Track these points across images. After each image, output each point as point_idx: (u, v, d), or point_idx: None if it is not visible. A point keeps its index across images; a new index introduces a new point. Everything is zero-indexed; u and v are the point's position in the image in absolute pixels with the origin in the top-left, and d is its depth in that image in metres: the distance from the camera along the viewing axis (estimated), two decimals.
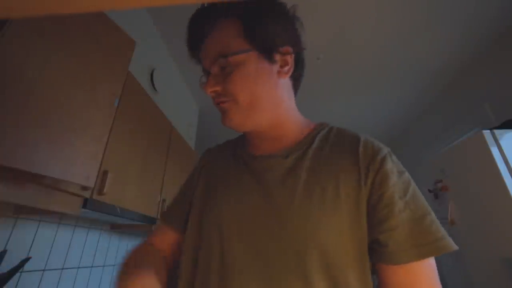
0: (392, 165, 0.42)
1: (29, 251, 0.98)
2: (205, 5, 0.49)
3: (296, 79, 0.51)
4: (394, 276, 0.37)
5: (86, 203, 0.90)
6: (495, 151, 1.29)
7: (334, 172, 0.42)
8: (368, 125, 3.21)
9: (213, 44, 0.45)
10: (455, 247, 0.37)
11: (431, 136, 2.69)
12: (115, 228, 1.47)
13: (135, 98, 1.22)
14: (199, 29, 0.48)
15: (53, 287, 1.09)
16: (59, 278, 1.12)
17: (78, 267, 1.23)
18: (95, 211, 0.96)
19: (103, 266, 1.42)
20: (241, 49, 0.43)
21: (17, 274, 0.93)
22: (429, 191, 1.75)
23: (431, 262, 0.37)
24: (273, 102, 0.46)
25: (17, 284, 0.93)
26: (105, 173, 0.95)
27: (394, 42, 1.90)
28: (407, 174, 0.43)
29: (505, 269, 1.19)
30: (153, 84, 1.71)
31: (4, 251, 0.81)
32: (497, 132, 1.33)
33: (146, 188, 1.29)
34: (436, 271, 0.38)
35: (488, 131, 1.35)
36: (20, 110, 0.63)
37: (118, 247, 1.56)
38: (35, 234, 1.01)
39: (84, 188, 0.85)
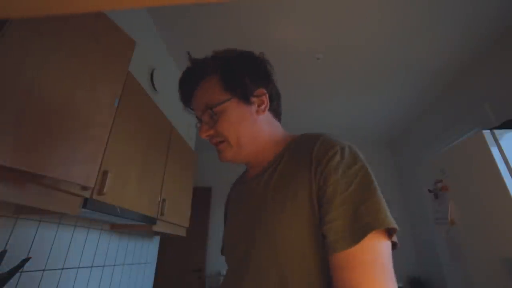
0: (339, 162, 0.45)
1: (29, 251, 0.98)
2: (188, 69, 0.59)
3: (275, 110, 0.61)
4: (336, 262, 0.40)
5: (86, 203, 0.90)
6: (495, 151, 1.29)
7: (294, 177, 0.48)
8: (368, 125, 3.21)
9: (200, 99, 0.57)
10: (383, 226, 0.39)
11: (431, 136, 2.69)
12: (115, 228, 1.47)
13: (135, 98, 1.22)
14: (187, 89, 0.59)
15: (53, 287, 1.09)
16: (59, 278, 1.12)
17: (78, 267, 1.23)
18: (95, 211, 0.96)
19: (103, 266, 1.42)
20: (222, 100, 0.54)
21: (17, 274, 0.93)
22: (429, 191, 1.75)
23: (372, 244, 0.39)
24: (254, 137, 0.56)
25: (17, 284, 0.93)
26: (105, 173, 0.95)
27: (394, 42, 1.90)
28: (356, 167, 0.45)
29: (505, 269, 1.19)
30: (153, 84, 1.71)
31: (4, 251, 0.81)
32: (497, 132, 1.33)
33: (146, 188, 1.29)
34: (382, 253, 0.39)
35: (488, 131, 1.35)
36: (20, 110, 0.63)
37: (118, 247, 1.56)
38: (35, 234, 1.01)
39: (84, 188, 0.85)
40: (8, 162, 0.59)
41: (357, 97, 2.62)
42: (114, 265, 1.51)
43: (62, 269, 1.14)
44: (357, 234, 0.39)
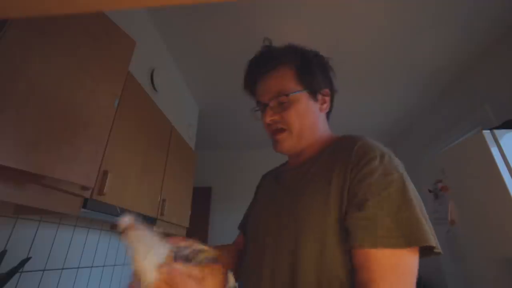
0: (378, 166, 0.45)
1: (29, 251, 0.98)
2: (264, 53, 0.62)
3: (329, 112, 0.66)
4: (355, 257, 0.42)
5: (86, 203, 0.90)
6: (495, 151, 1.29)
7: (329, 173, 0.49)
8: (368, 125, 3.21)
9: (273, 83, 0.58)
10: (428, 243, 0.38)
11: (431, 136, 2.69)
12: (115, 228, 1.47)
13: (135, 98, 1.22)
14: (257, 72, 0.62)
15: (53, 287, 1.09)
16: (59, 278, 1.12)
17: (78, 267, 1.23)
18: (95, 211, 0.96)
19: (103, 266, 1.42)
20: (297, 89, 0.57)
21: (17, 274, 0.93)
22: (429, 191, 1.75)
23: (393, 254, 0.39)
24: (313, 131, 0.59)
25: (17, 284, 0.93)
26: (105, 173, 0.95)
27: (395, 42, 1.90)
28: (395, 176, 0.44)
29: (505, 269, 1.19)
30: (153, 84, 1.71)
31: (4, 251, 0.81)
32: (497, 132, 1.33)
33: (146, 188, 1.29)
34: (401, 266, 0.39)
35: (488, 131, 1.35)
36: (20, 110, 0.63)
37: (118, 247, 1.56)
38: (35, 234, 1.01)
39: (84, 188, 0.85)
40: (8, 162, 0.59)
41: (357, 97, 2.62)
42: (114, 265, 1.51)
43: (62, 269, 1.14)
44: (376, 241, 0.40)
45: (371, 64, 2.14)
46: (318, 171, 0.52)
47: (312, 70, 0.59)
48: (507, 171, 1.24)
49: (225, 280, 0.42)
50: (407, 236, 0.39)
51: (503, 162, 1.26)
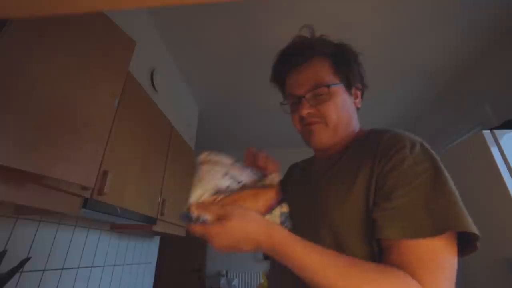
0: (407, 155, 0.44)
1: (29, 251, 0.98)
2: (299, 43, 0.59)
3: (358, 108, 0.65)
4: (383, 246, 0.41)
5: (86, 203, 0.90)
6: (495, 151, 1.28)
7: (356, 165, 0.49)
8: (368, 126, 3.21)
9: (310, 75, 0.56)
10: (463, 228, 0.37)
11: (431, 136, 2.69)
12: (115, 228, 1.47)
13: (135, 98, 1.22)
14: (294, 60, 0.59)
15: (53, 287, 1.09)
16: (59, 278, 1.12)
17: (78, 267, 1.23)
18: (95, 211, 0.95)
19: (103, 266, 1.42)
20: (336, 82, 0.55)
21: (17, 274, 0.93)
22: None
23: (429, 244, 0.37)
24: (348, 125, 0.58)
25: (17, 284, 0.93)
26: (105, 173, 0.95)
27: (394, 42, 1.90)
28: (427, 165, 0.43)
29: (505, 269, 1.19)
30: (153, 84, 1.71)
31: (4, 251, 0.81)
32: (497, 132, 1.33)
33: (146, 188, 1.29)
34: (439, 255, 0.37)
35: (488, 131, 1.35)
36: (20, 110, 0.63)
37: (118, 247, 1.56)
38: (35, 234, 1.01)
39: (84, 188, 0.85)
40: (8, 162, 0.59)
41: None
42: (114, 265, 1.51)
43: (62, 269, 1.14)
44: (407, 231, 0.38)
45: (370, 64, 2.13)
46: (343, 165, 0.52)
47: (349, 63, 0.58)
48: (507, 171, 1.24)
49: (275, 205, 0.48)
50: (440, 224, 0.37)
51: (503, 162, 1.26)
